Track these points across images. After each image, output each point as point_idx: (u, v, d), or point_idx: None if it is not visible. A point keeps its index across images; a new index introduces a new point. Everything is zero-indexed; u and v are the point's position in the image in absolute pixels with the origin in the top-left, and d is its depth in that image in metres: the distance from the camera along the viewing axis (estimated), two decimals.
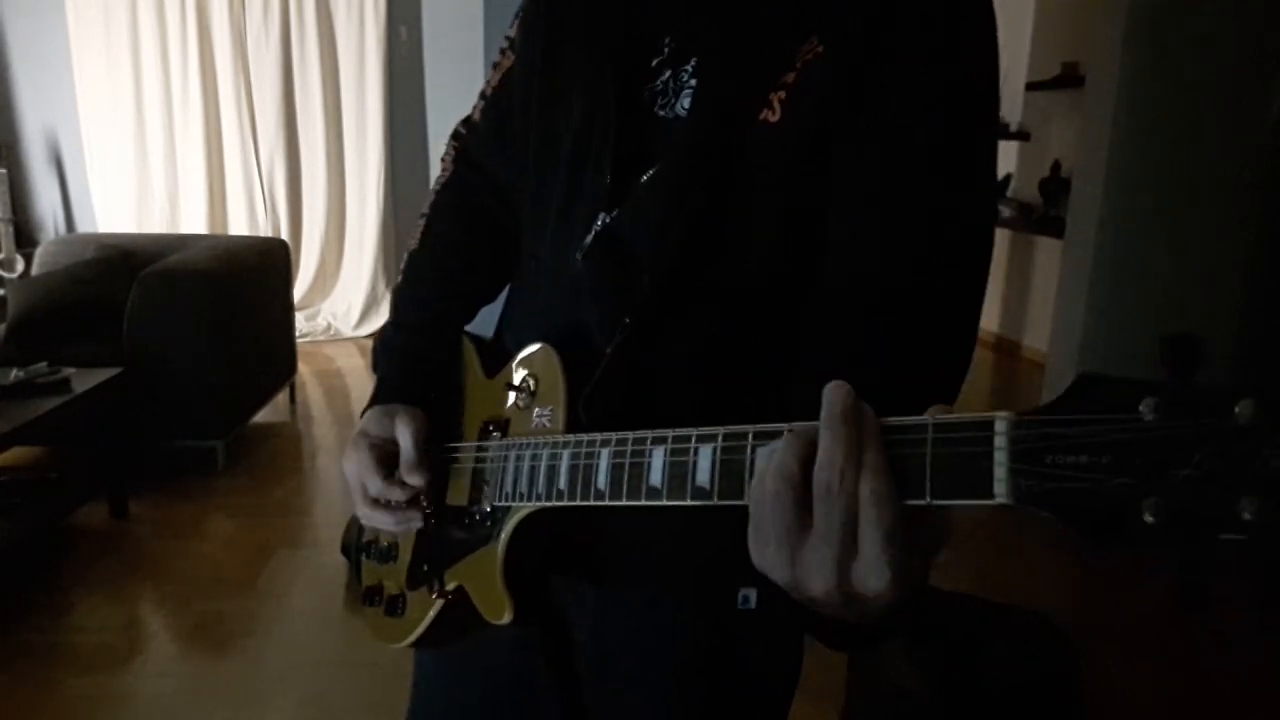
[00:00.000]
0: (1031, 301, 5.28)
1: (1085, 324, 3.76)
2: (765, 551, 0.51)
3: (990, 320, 5.57)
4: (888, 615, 0.51)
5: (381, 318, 5.63)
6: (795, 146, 0.67)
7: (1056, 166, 4.83)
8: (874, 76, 0.64)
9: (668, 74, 0.73)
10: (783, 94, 0.66)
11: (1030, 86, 5.11)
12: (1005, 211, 5.13)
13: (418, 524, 0.83)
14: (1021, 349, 5.33)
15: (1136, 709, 2.16)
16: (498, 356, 0.82)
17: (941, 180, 0.66)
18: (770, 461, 0.50)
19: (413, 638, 0.84)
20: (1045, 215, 4.84)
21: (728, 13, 0.72)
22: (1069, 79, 4.64)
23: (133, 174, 5.34)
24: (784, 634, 0.81)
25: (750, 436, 0.53)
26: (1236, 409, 0.37)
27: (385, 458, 0.82)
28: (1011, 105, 5.33)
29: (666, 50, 0.74)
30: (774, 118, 0.67)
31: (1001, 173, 5.37)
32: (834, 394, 0.49)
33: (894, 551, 0.47)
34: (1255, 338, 3.56)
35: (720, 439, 0.55)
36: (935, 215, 0.66)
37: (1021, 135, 5.26)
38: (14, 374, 2.70)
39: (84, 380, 2.82)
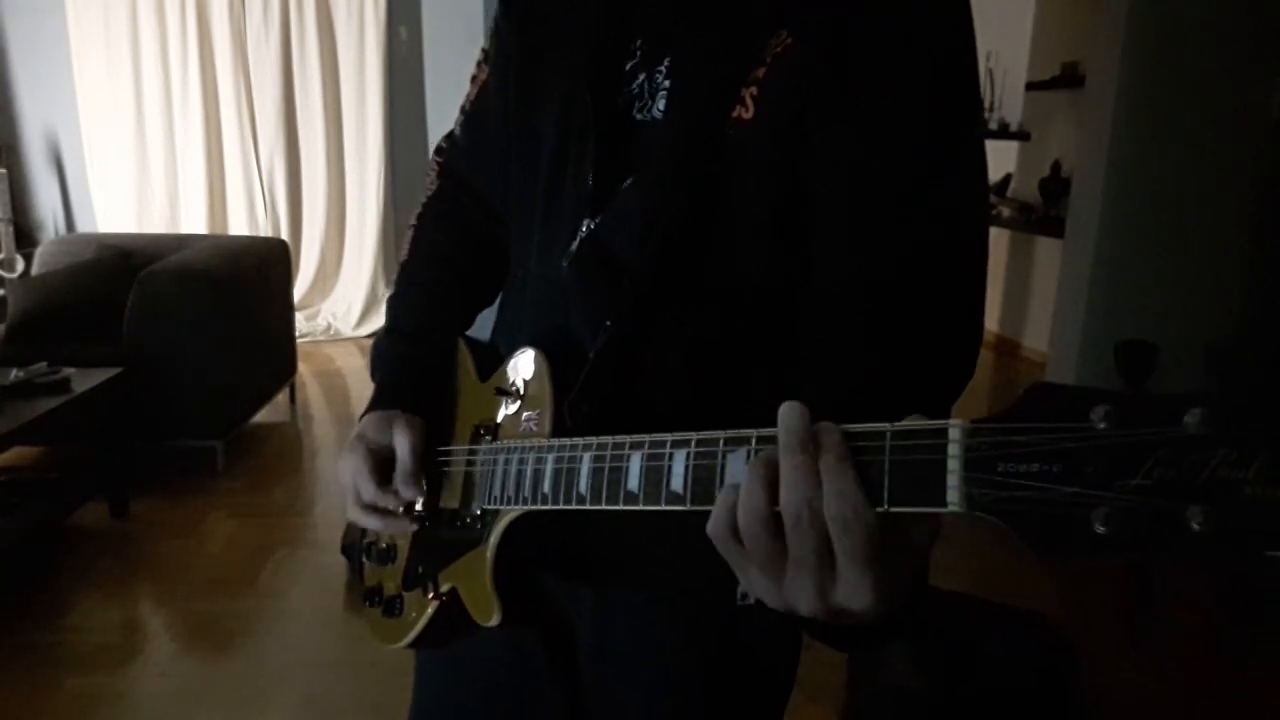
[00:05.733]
0: (1031, 301, 5.27)
1: (1085, 324, 3.76)
2: (750, 577, 0.51)
3: (990, 320, 5.57)
4: (883, 620, 0.50)
5: (381, 318, 5.64)
6: (771, 143, 0.66)
7: (1056, 166, 4.83)
8: (847, 64, 0.63)
9: (642, 77, 0.73)
10: (754, 90, 0.66)
11: (1030, 86, 5.11)
12: (1005, 211, 5.12)
13: (408, 530, 0.83)
14: (1021, 349, 5.32)
15: (1136, 709, 2.16)
16: (492, 360, 0.83)
17: (925, 165, 0.65)
18: (740, 494, 0.49)
19: (410, 638, 0.84)
20: (1045, 215, 4.84)
21: (696, 11, 0.71)
22: (1069, 79, 4.64)
23: (133, 174, 5.34)
24: (784, 626, 0.81)
25: (721, 443, 0.53)
26: (1185, 418, 0.37)
27: (381, 464, 0.82)
28: (1011, 105, 5.33)
29: (639, 53, 0.74)
30: (747, 115, 0.66)
31: (1001, 173, 5.36)
32: (787, 419, 0.48)
33: (872, 572, 0.46)
34: (1255, 336, 3.56)
35: (694, 444, 0.55)
36: (921, 201, 0.65)
37: (1021, 135, 5.25)
38: (14, 374, 2.70)
39: (84, 380, 2.81)
